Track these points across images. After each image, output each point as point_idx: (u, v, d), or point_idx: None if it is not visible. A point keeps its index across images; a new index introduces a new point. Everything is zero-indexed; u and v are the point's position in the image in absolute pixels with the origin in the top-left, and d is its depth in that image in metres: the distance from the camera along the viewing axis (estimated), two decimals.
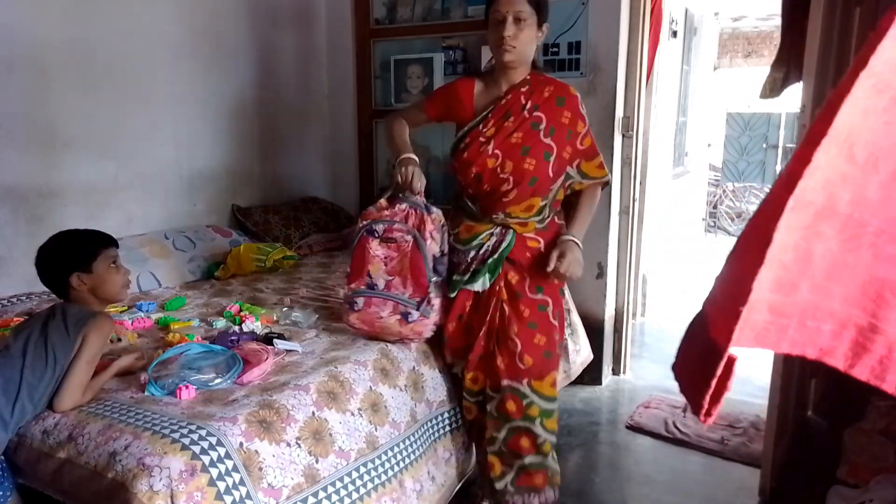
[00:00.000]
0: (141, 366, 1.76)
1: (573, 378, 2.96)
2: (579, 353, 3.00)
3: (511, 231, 1.98)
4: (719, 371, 0.60)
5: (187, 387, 1.61)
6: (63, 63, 2.55)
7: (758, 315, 0.59)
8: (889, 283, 0.58)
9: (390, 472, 1.76)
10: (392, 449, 1.80)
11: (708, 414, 0.62)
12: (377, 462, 1.73)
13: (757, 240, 0.58)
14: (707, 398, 0.61)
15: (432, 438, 1.99)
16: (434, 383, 2.06)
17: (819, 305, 0.59)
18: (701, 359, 0.63)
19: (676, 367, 0.72)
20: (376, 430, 1.77)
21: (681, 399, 2.98)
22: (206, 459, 1.37)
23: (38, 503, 1.53)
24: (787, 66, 2.55)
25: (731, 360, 0.61)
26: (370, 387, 1.82)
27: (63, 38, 2.54)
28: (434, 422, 2.02)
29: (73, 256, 1.71)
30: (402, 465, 1.80)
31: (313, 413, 1.63)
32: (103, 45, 2.68)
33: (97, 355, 1.63)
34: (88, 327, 1.61)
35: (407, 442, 1.86)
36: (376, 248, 1.96)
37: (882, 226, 0.58)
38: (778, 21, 2.73)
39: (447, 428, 2.08)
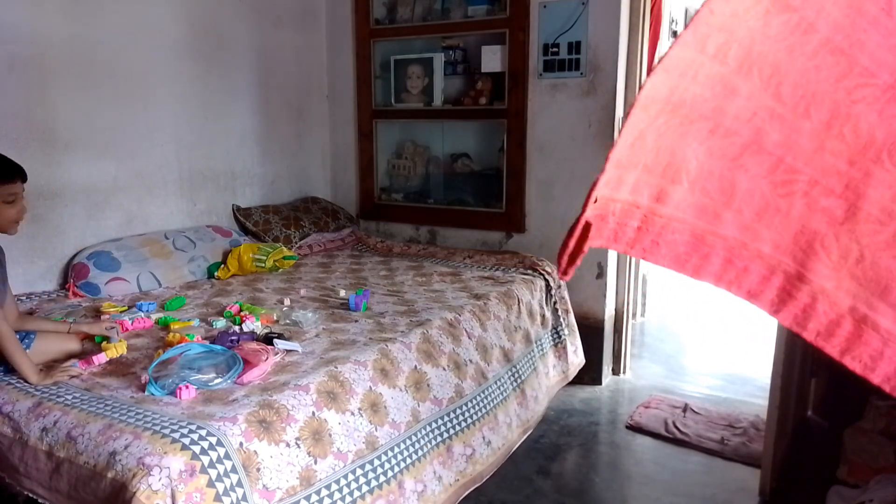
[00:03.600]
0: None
1: (570, 379, 2.97)
2: (577, 353, 3.01)
3: None
4: (577, 231, 0.61)
5: (187, 387, 1.61)
6: (63, 62, 2.54)
7: (678, 236, 0.61)
8: (820, 235, 0.60)
9: (389, 473, 1.75)
10: (392, 449, 1.79)
11: (564, 272, 0.64)
12: (376, 463, 1.73)
13: (670, 149, 0.59)
14: (565, 257, 0.63)
15: (441, 438, 1.97)
16: (440, 381, 2.05)
17: (746, 245, 0.61)
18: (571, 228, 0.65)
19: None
20: (376, 430, 1.76)
21: (680, 399, 2.98)
22: (205, 460, 1.37)
23: None
24: None
25: (587, 224, 0.62)
26: (370, 387, 1.82)
27: (63, 37, 2.54)
28: (443, 420, 2.01)
29: None
30: (402, 465, 1.80)
31: (313, 413, 1.63)
32: (104, 45, 2.67)
33: None
34: None
35: (408, 442, 1.85)
36: None
37: (815, 176, 0.59)
38: None
39: (463, 425, 2.06)
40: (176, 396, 1.61)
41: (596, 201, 0.60)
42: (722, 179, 0.59)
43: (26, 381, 1.72)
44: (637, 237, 0.61)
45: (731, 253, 0.61)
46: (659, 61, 0.56)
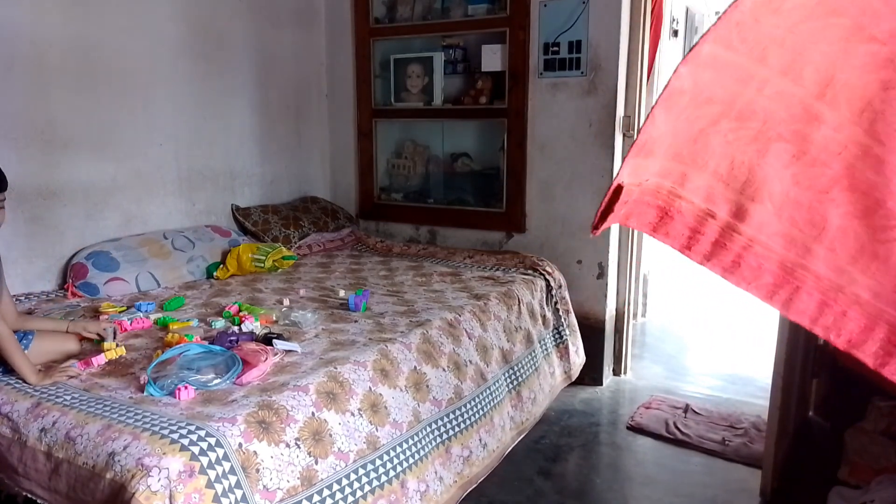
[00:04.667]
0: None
1: (573, 379, 2.96)
2: (578, 353, 3.00)
3: None
4: (609, 193, 0.62)
5: (186, 387, 1.60)
6: (62, 62, 2.54)
7: (767, 263, 0.58)
8: None
9: (391, 473, 1.75)
10: (394, 449, 1.79)
11: (595, 227, 0.66)
12: (377, 463, 1.72)
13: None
14: (597, 214, 0.64)
15: (441, 438, 1.97)
16: (439, 382, 2.05)
17: (843, 289, 0.58)
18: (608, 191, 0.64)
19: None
20: (377, 430, 1.76)
21: (681, 399, 2.97)
22: (204, 461, 1.37)
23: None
24: None
25: (619, 187, 0.62)
26: (370, 387, 1.81)
27: (62, 37, 2.53)
28: (443, 421, 2.01)
29: None
30: (404, 465, 1.79)
31: (313, 413, 1.62)
32: (103, 44, 2.67)
33: None
34: None
35: (410, 442, 1.85)
36: None
37: None
38: None
39: (460, 427, 2.06)
40: (175, 397, 1.60)
41: (647, 181, 0.58)
42: (811, 211, 0.57)
43: (25, 382, 1.71)
44: (714, 251, 0.59)
45: (826, 295, 0.58)
46: (691, 55, 0.54)
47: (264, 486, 1.45)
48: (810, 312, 0.59)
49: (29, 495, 1.52)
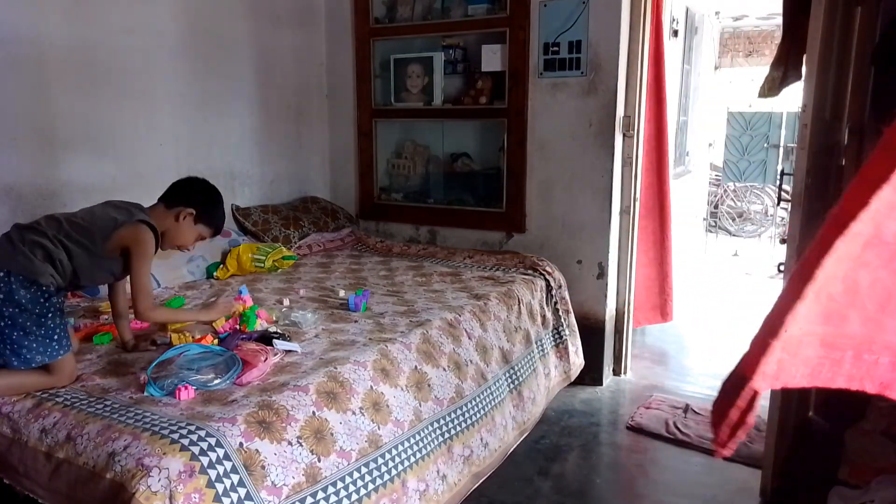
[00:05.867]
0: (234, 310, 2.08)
1: (572, 379, 2.96)
2: (577, 353, 3.00)
3: None
4: (740, 402, 0.57)
5: (186, 387, 1.60)
6: (63, 62, 2.53)
7: (810, 350, 0.58)
8: None
9: (393, 472, 1.74)
10: (396, 447, 1.78)
11: (722, 444, 0.59)
12: (380, 461, 1.72)
13: (800, 276, 0.57)
14: (724, 429, 0.58)
15: (444, 437, 1.97)
16: (441, 382, 2.05)
17: (874, 338, 0.57)
18: (728, 392, 0.61)
19: (714, 403, 0.70)
20: (379, 428, 1.76)
21: (681, 399, 2.97)
22: (205, 460, 1.37)
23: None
24: (784, 65, 2.55)
25: (754, 394, 0.57)
26: (371, 386, 1.81)
27: (63, 37, 2.52)
28: (445, 420, 2.00)
29: (207, 206, 1.96)
30: (405, 464, 1.79)
31: (313, 413, 1.62)
32: (103, 44, 2.66)
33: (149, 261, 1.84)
34: (135, 231, 1.81)
35: (412, 440, 1.84)
36: None
37: None
38: (779, 20, 2.72)
39: (462, 426, 2.06)
40: (175, 397, 1.60)
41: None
42: (846, 280, 0.56)
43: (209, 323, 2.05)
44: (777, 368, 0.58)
45: (859, 349, 0.58)
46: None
47: (272, 483, 1.45)
48: (846, 371, 0.59)
49: (30, 495, 1.52)
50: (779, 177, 3.05)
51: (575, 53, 3.00)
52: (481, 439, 2.12)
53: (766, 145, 6.88)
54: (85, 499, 1.40)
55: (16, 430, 1.57)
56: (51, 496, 1.48)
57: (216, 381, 1.67)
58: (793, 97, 2.41)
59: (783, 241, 2.13)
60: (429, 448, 1.89)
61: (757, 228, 7.51)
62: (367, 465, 1.68)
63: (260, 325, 2.08)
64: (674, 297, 3.52)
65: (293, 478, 1.50)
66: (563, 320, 2.93)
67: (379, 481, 1.69)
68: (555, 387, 2.80)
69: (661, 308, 3.52)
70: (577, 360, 2.99)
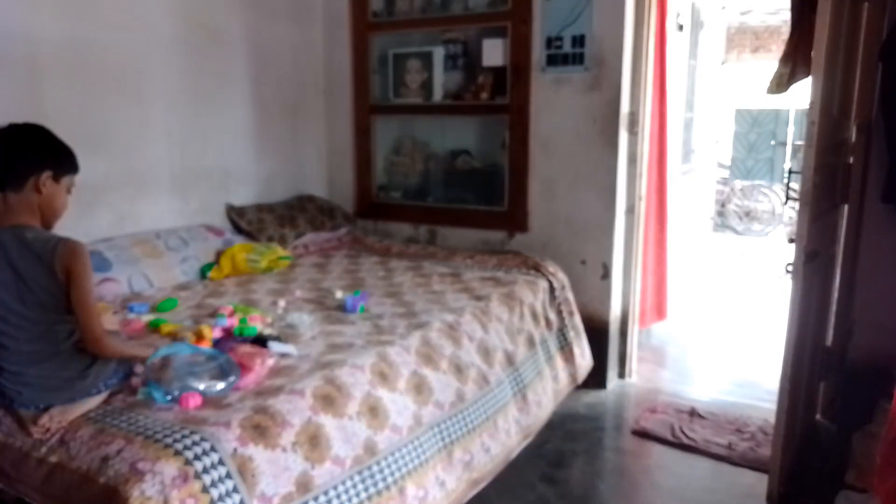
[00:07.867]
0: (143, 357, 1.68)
1: (579, 382, 2.91)
2: (584, 356, 2.95)
3: None
4: None
5: (193, 395, 1.56)
6: (54, 59, 2.48)
7: None
8: None
9: (389, 479, 1.71)
10: (393, 454, 1.75)
11: None
12: (374, 469, 1.69)
13: None
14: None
15: (444, 442, 1.93)
16: (441, 385, 2.01)
17: None
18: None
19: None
20: (375, 434, 1.73)
21: (687, 403, 2.93)
22: (198, 466, 1.36)
23: None
24: (793, 62, 2.51)
25: None
26: (368, 391, 1.78)
27: (55, 33, 2.48)
28: (446, 424, 1.97)
29: (54, 154, 1.55)
30: (403, 470, 1.76)
31: (309, 418, 1.59)
32: (95, 41, 2.62)
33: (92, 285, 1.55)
34: (71, 257, 1.53)
35: (410, 447, 1.81)
36: None
37: None
38: (786, 16, 2.69)
39: (463, 430, 2.02)
40: (180, 405, 1.55)
41: None
42: None
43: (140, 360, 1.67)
44: None
45: None
46: None
47: (262, 492, 1.43)
48: None
49: (25, 498, 1.51)
50: (786, 175, 3.01)
51: (578, 48, 2.95)
52: (482, 444, 2.09)
53: (773, 143, 6.86)
54: (79, 503, 1.39)
55: (8, 434, 1.55)
56: (44, 500, 1.47)
57: (220, 386, 1.62)
58: (801, 94, 2.37)
59: (791, 241, 2.09)
60: (429, 454, 1.86)
61: (764, 227, 7.49)
62: (360, 472, 1.65)
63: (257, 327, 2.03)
64: (667, 296, 3.50)
65: (284, 487, 1.47)
66: (567, 322, 2.88)
67: (373, 489, 1.66)
68: (562, 390, 2.76)
69: (658, 307, 3.49)
70: (584, 363, 2.94)
